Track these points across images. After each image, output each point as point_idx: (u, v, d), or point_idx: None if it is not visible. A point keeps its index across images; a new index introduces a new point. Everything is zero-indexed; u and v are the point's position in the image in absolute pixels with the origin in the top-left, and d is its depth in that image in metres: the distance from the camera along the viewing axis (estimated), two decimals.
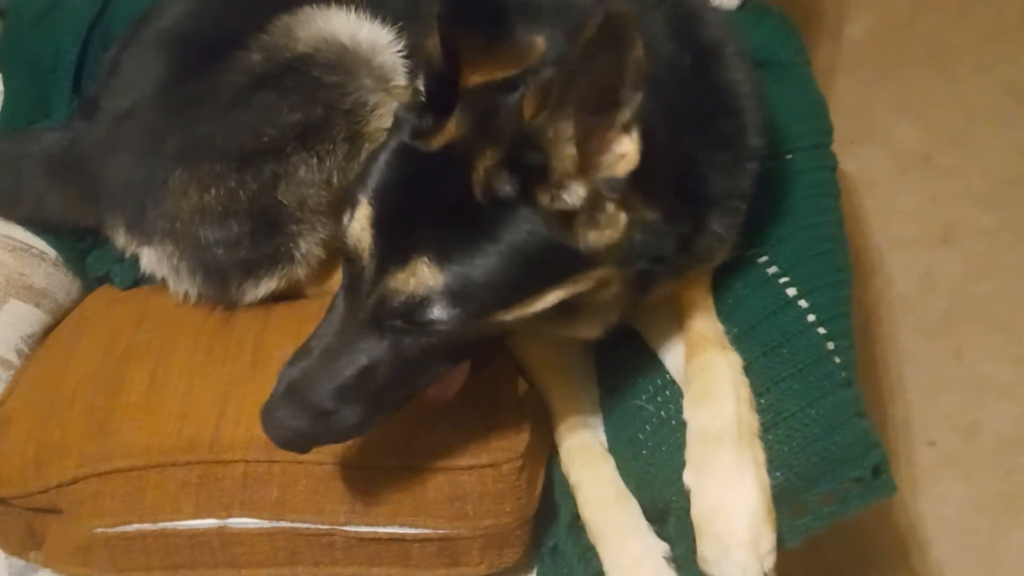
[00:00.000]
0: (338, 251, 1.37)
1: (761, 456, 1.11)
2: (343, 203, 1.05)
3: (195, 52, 1.39)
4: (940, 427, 1.94)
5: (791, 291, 1.24)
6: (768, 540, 1.08)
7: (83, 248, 1.51)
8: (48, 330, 1.46)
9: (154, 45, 1.43)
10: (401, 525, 1.20)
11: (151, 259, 1.40)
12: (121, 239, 1.43)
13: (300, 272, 1.38)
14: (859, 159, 2.30)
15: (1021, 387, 1.99)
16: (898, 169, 2.39)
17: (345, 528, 1.20)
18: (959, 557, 1.78)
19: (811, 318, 1.21)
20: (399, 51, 1.39)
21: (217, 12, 1.44)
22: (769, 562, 1.08)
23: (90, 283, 1.52)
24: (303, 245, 1.36)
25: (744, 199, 1.20)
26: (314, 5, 1.38)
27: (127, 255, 1.44)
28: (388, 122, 1.34)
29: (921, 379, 2.01)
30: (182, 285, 1.39)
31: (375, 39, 1.39)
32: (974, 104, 2.51)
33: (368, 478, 1.20)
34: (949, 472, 1.89)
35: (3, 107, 1.60)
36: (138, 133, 1.38)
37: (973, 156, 2.41)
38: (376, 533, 1.20)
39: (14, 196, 1.49)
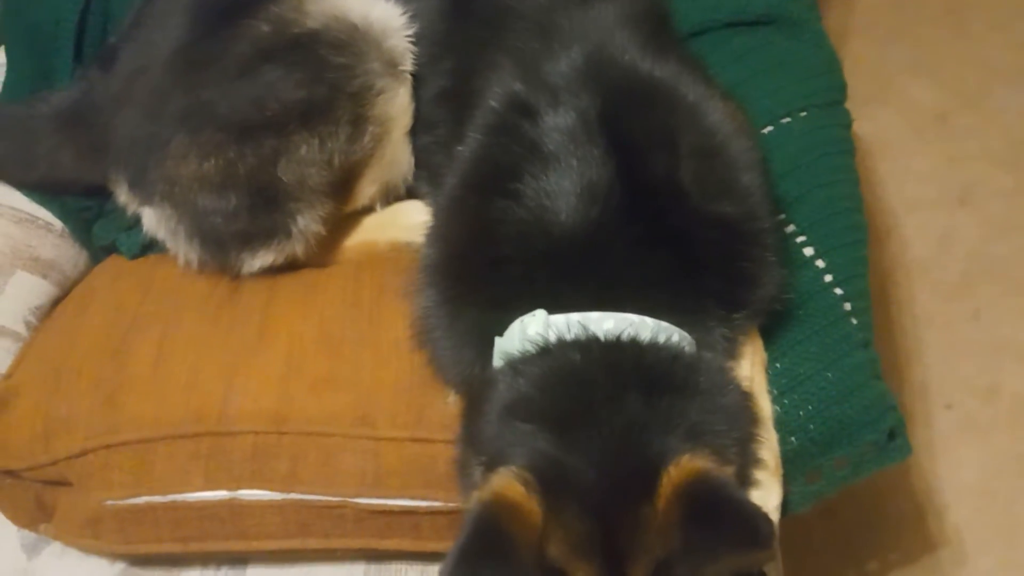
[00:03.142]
0: (337, 226, 1.38)
1: (769, 411, 1.11)
2: None
3: (212, 14, 1.36)
4: (958, 390, 1.92)
5: (808, 251, 1.22)
6: (776, 496, 1.08)
7: (89, 218, 1.49)
8: (55, 302, 1.44)
9: (178, 2, 1.40)
10: (412, 498, 1.18)
11: (151, 220, 1.39)
12: (123, 196, 1.41)
13: (298, 248, 1.36)
14: (874, 120, 2.27)
15: None
16: (914, 130, 2.36)
17: (355, 500, 1.19)
18: (977, 521, 1.76)
19: (828, 278, 1.20)
20: (409, 36, 1.36)
21: None
22: (774, 518, 1.06)
23: (96, 254, 1.50)
24: (301, 222, 1.34)
25: None
26: None
27: (128, 214, 1.43)
28: (393, 107, 1.34)
29: (938, 342, 1.99)
30: (181, 249, 1.38)
31: (387, 21, 1.36)
32: (991, 63, 2.48)
33: (378, 451, 1.19)
34: (967, 435, 1.87)
35: (6, 78, 1.57)
36: (148, 90, 1.36)
37: (990, 115, 2.38)
38: (386, 506, 1.19)
39: (27, 159, 1.47)
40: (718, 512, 0.89)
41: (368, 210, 1.42)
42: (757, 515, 0.89)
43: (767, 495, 1.07)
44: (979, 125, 2.36)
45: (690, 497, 0.89)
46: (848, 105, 1.44)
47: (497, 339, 1.07)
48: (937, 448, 1.85)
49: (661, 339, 1.03)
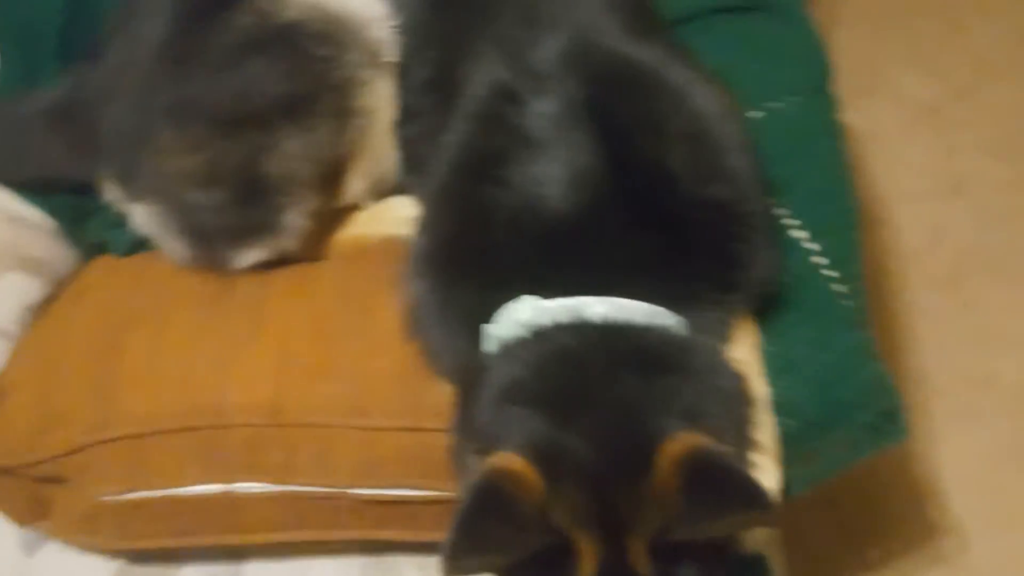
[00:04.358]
0: (327, 220, 1.37)
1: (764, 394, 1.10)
2: None
3: (196, 7, 1.35)
4: (955, 379, 1.93)
5: (801, 234, 1.22)
6: (773, 478, 1.07)
7: (79, 216, 1.48)
8: (48, 300, 1.43)
9: None
10: (408, 487, 1.18)
11: (140, 216, 1.38)
12: (112, 192, 1.40)
13: (288, 242, 1.35)
14: (866, 112, 2.26)
15: None
16: (906, 122, 2.37)
17: (351, 491, 1.18)
18: (978, 508, 1.76)
19: (822, 261, 1.20)
20: (391, 25, 1.35)
21: None
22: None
23: (88, 252, 1.49)
24: (289, 217, 1.33)
25: None
26: None
27: (118, 211, 1.41)
28: (376, 98, 1.32)
29: (933, 332, 1.99)
30: (170, 244, 1.36)
31: (368, 10, 1.35)
32: (983, 55, 2.49)
33: (373, 440, 1.19)
34: (966, 424, 1.87)
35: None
36: (135, 84, 1.35)
37: (983, 108, 2.39)
38: (383, 495, 1.18)
39: (18, 157, 1.47)
40: (717, 479, 0.89)
41: (358, 207, 1.42)
42: (756, 482, 0.90)
43: (765, 477, 1.06)
44: (972, 117, 2.37)
45: (689, 467, 0.89)
46: (840, 97, 1.44)
47: (489, 326, 1.07)
48: (936, 437, 1.84)
49: (655, 323, 1.03)
